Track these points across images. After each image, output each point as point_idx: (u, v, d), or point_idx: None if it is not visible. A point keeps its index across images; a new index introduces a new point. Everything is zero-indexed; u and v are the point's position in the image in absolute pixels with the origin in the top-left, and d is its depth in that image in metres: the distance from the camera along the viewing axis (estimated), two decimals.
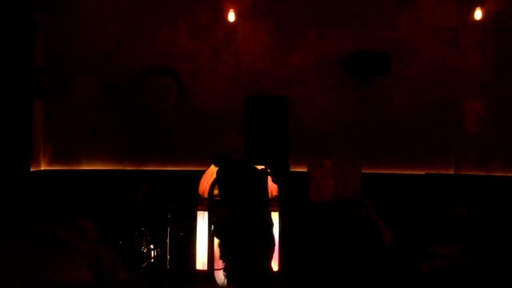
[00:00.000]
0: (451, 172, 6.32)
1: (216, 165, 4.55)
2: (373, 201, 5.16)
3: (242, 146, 4.34)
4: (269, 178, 4.94)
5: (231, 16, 6.34)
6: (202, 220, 5.66)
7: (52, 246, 1.92)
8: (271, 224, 4.67)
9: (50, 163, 6.57)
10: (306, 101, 6.42)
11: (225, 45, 6.50)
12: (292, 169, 6.05)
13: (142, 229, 5.32)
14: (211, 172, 5.67)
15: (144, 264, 5.26)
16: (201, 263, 5.63)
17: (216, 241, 5.14)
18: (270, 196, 5.63)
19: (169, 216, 5.39)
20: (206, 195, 5.66)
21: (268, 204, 4.60)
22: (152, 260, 5.33)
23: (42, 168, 6.51)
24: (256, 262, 4.26)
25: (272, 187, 5.59)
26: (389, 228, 4.99)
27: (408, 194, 6.00)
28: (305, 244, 5.89)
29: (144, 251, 5.26)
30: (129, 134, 6.54)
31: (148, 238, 5.33)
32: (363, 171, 5.63)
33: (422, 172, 6.22)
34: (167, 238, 5.38)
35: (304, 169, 5.58)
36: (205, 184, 5.70)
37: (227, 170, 4.38)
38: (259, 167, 4.75)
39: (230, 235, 4.31)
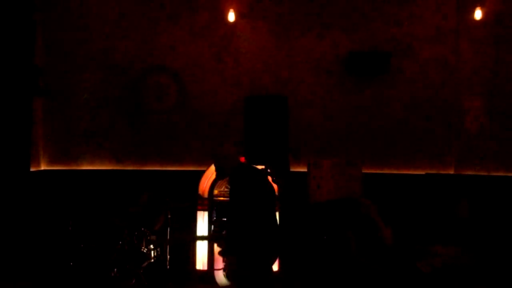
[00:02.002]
0: (451, 172, 6.32)
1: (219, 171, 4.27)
2: (373, 201, 5.17)
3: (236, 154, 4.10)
4: (269, 178, 4.93)
5: (231, 16, 6.34)
6: (202, 220, 5.66)
7: None
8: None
9: (50, 163, 6.57)
10: (306, 101, 6.42)
11: (225, 45, 6.50)
12: (292, 169, 6.04)
13: (142, 229, 5.32)
14: (211, 172, 5.67)
15: (144, 264, 5.26)
16: (201, 263, 5.63)
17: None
18: None
19: (169, 216, 5.39)
20: (206, 195, 5.67)
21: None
22: (152, 260, 5.33)
23: (42, 168, 6.51)
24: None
25: None
26: (389, 228, 4.99)
27: (408, 194, 5.99)
28: (305, 244, 5.88)
29: (144, 251, 5.26)
30: (129, 134, 6.54)
31: (148, 238, 5.33)
32: (363, 171, 5.66)
33: (422, 172, 6.22)
34: (167, 238, 5.38)
35: (304, 169, 5.60)
36: (205, 184, 5.70)
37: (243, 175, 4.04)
38: (259, 167, 4.75)
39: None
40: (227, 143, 4.11)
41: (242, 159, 5.19)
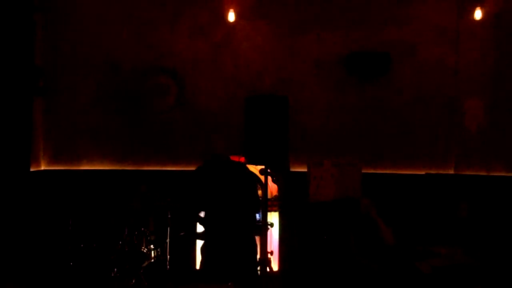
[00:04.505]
0: (451, 172, 6.32)
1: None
2: (373, 201, 5.17)
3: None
4: (269, 178, 4.93)
5: (231, 16, 6.34)
6: None
7: None
8: (253, 227, 4.61)
9: (50, 163, 6.57)
10: (306, 101, 6.42)
11: (225, 45, 6.50)
12: (292, 169, 6.04)
13: (142, 229, 5.32)
14: None
15: (144, 264, 5.26)
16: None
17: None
18: (270, 196, 5.63)
19: (169, 216, 5.39)
20: None
21: (256, 208, 4.55)
22: (152, 260, 5.33)
23: (42, 168, 6.51)
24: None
25: (272, 187, 5.59)
26: (390, 228, 5.00)
27: (408, 194, 6.00)
28: (305, 243, 5.89)
29: (144, 251, 5.26)
30: (129, 134, 6.53)
31: (148, 238, 5.33)
32: (363, 171, 5.66)
33: (422, 172, 6.22)
34: (167, 238, 5.38)
35: (304, 169, 5.60)
36: None
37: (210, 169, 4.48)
38: (259, 167, 4.75)
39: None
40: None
41: (242, 159, 5.20)
